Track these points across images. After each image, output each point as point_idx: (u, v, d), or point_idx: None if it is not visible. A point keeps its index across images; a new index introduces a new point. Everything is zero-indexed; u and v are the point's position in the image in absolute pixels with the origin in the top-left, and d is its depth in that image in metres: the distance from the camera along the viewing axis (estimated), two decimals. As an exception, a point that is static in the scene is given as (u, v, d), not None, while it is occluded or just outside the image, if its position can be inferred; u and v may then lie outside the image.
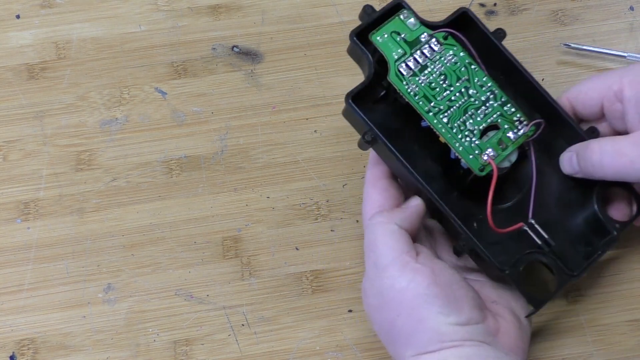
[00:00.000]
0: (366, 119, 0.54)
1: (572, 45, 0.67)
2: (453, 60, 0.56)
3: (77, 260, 0.60)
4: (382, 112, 0.56)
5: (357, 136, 0.64)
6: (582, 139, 0.55)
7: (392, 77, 0.55)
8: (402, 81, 0.55)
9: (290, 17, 0.70)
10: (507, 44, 0.68)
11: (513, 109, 0.55)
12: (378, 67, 0.55)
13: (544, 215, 0.55)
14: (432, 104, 0.55)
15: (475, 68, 0.56)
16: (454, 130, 0.54)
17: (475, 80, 0.56)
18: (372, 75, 0.55)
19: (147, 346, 0.56)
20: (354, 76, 0.67)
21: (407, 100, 0.55)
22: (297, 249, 0.60)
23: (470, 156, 0.54)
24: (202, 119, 0.65)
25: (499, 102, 0.55)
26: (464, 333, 0.48)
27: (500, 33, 0.57)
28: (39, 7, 0.71)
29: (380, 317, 0.50)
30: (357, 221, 0.60)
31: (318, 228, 0.60)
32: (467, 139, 0.54)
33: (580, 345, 0.55)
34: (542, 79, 0.66)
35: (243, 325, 0.57)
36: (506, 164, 0.54)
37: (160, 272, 0.59)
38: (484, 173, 0.54)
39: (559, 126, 0.56)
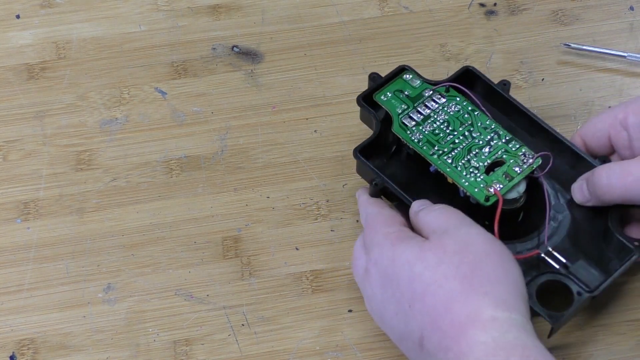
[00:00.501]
0: (374, 168, 0.57)
1: (572, 45, 0.67)
2: (456, 109, 0.58)
3: (77, 260, 0.60)
4: (395, 166, 0.59)
5: (357, 137, 0.64)
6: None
7: (395, 129, 0.57)
8: (405, 131, 0.57)
9: (290, 17, 0.70)
10: (507, 43, 0.69)
11: (518, 145, 0.56)
12: (385, 125, 0.58)
13: (559, 239, 0.56)
14: (435, 148, 0.56)
15: (478, 113, 0.58)
16: (459, 169, 0.55)
17: (479, 124, 0.57)
18: (378, 131, 0.58)
19: (147, 346, 0.56)
20: (354, 76, 0.67)
21: (412, 147, 0.57)
22: (297, 249, 0.60)
23: (476, 189, 0.55)
24: (202, 119, 0.65)
25: (503, 141, 0.56)
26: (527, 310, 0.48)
27: (506, 84, 0.60)
28: (39, 7, 0.71)
29: (459, 259, 0.48)
30: (357, 221, 0.60)
31: (318, 228, 0.60)
32: (473, 175, 0.55)
33: (580, 345, 0.55)
34: (542, 79, 0.66)
35: (243, 325, 0.57)
36: (514, 195, 0.55)
37: (160, 272, 0.59)
38: (489, 203, 0.54)
39: (574, 162, 0.57)
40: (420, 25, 0.69)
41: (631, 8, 0.69)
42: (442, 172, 0.56)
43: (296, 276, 0.59)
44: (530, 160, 0.55)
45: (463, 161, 0.56)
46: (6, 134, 0.65)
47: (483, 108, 0.58)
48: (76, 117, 0.66)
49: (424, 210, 0.53)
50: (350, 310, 0.57)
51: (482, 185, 0.55)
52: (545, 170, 0.56)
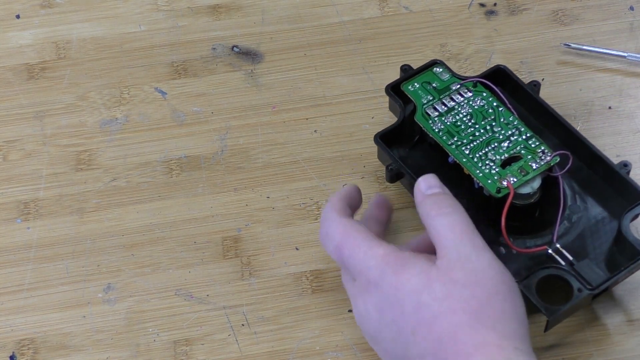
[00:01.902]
0: (392, 154, 0.58)
1: (572, 45, 0.67)
2: (481, 104, 0.58)
3: (77, 260, 0.60)
4: (415, 156, 0.60)
5: (357, 137, 0.64)
6: (618, 175, 0.56)
7: (418, 117, 0.58)
8: (427, 120, 0.58)
9: (290, 17, 0.70)
10: (507, 43, 0.69)
11: (537, 142, 0.56)
12: (411, 115, 0.59)
13: (571, 238, 0.56)
14: (455, 138, 0.57)
15: (502, 110, 0.58)
16: (475, 160, 0.56)
17: (501, 120, 0.58)
18: (401, 120, 0.59)
19: (147, 346, 0.56)
20: (354, 76, 0.67)
21: (431, 136, 0.57)
22: (297, 249, 0.60)
23: (489, 181, 0.55)
24: (202, 119, 0.65)
25: (524, 137, 0.57)
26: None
27: (536, 85, 0.60)
28: (39, 7, 0.71)
29: (470, 294, 0.47)
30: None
31: (318, 228, 0.60)
32: (488, 167, 0.56)
33: (580, 345, 0.55)
34: (542, 79, 0.66)
35: (243, 325, 0.57)
36: (527, 190, 0.55)
37: (160, 272, 0.59)
38: (500, 195, 0.54)
39: (597, 167, 0.58)
40: (420, 25, 0.69)
41: (631, 8, 0.69)
42: (458, 162, 0.56)
43: (296, 276, 0.59)
44: (548, 158, 0.55)
45: (480, 153, 0.56)
46: (6, 134, 0.65)
47: (509, 105, 0.58)
48: (76, 117, 0.66)
49: (437, 213, 0.50)
50: (350, 310, 0.57)
51: (495, 178, 0.55)
52: (565, 170, 0.56)
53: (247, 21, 0.70)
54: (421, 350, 0.47)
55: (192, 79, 0.67)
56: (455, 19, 0.70)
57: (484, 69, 0.64)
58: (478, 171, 0.55)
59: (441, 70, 0.60)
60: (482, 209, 0.56)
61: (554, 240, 0.55)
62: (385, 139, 0.58)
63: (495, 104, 0.58)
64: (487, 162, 0.56)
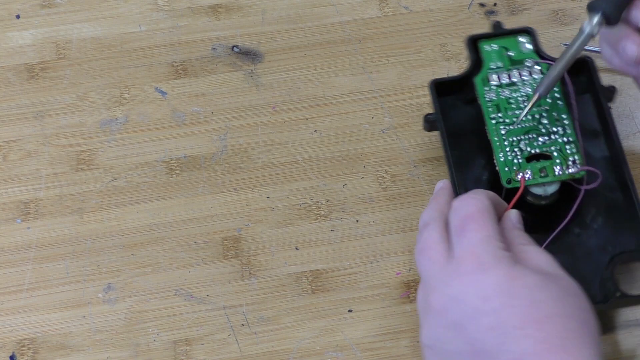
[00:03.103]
0: (437, 103, 0.56)
1: (572, 45, 0.67)
2: None
3: (77, 260, 0.60)
4: (461, 113, 0.58)
5: (357, 137, 0.64)
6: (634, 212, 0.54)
7: (477, 79, 0.57)
8: (484, 86, 0.56)
9: (290, 17, 0.70)
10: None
11: (574, 150, 0.54)
12: (472, 73, 0.57)
13: (558, 250, 0.54)
14: (499, 114, 0.55)
15: (561, 104, 0.56)
16: (506, 143, 0.54)
17: (554, 113, 0.55)
18: (465, 73, 0.58)
19: (147, 346, 0.56)
20: (354, 76, 0.67)
21: (479, 102, 0.56)
22: (297, 249, 0.60)
23: (506, 168, 0.54)
24: (202, 119, 0.65)
25: (565, 140, 0.55)
26: None
27: (612, 91, 0.58)
28: (39, 7, 0.71)
29: (553, 310, 0.45)
30: (357, 221, 0.60)
31: (318, 228, 0.60)
32: (513, 155, 0.54)
33: (580, 345, 0.55)
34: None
35: (243, 325, 0.57)
36: (539, 192, 0.54)
37: (160, 272, 0.59)
38: (509, 185, 0.53)
39: (626, 195, 0.55)
40: (420, 25, 0.69)
41: (631, 8, 0.69)
42: (489, 136, 0.55)
43: (296, 276, 0.59)
44: (573, 169, 0.53)
45: (514, 139, 0.54)
46: (6, 134, 0.65)
47: (573, 101, 0.55)
48: (76, 117, 0.66)
49: (532, 245, 0.49)
50: (350, 310, 0.57)
51: (515, 168, 0.54)
52: (590, 186, 0.53)
53: (247, 21, 0.70)
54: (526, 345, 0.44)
55: (192, 79, 0.67)
56: (455, 19, 0.70)
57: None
58: (501, 155, 0.54)
59: (525, 41, 0.58)
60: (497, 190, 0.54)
61: (541, 247, 0.54)
62: (440, 87, 0.57)
63: (557, 95, 0.56)
64: (515, 149, 0.54)
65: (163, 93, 0.67)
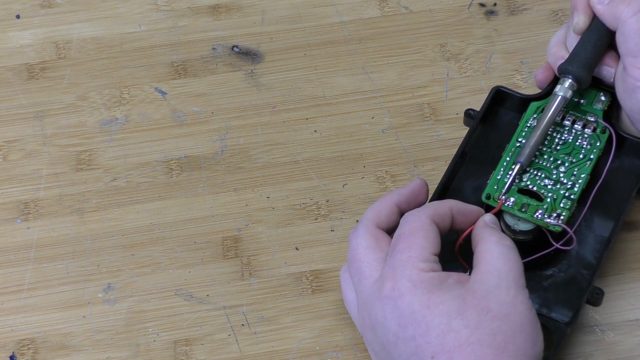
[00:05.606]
0: (486, 105, 0.57)
1: (572, 45, 0.67)
2: (583, 144, 0.56)
3: (77, 260, 0.60)
4: (503, 126, 0.58)
5: (357, 137, 0.64)
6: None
7: (533, 104, 0.57)
8: (534, 113, 0.57)
9: (290, 17, 0.70)
10: (507, 43, 0.69)
11: (568, 206, 0.53)
12: (534, 98, 0.57)
13: (533, 285, 0.53)
14: (524, 140, 0.55)
15: (589, 164, 0.55)
16: (512, 166, 0.54)
17: (576, 168, 0.55)
18: (529, 95, 0.57)
19: (147, 346, 0.56)
20: (354, 76, 0.67)
21: (519, 123, 0.57)
22: (297, 249, 0.60)
23: (495, 186, 0.54)
24: (202, 119, 0.65)
25: (566, 193, 0.54)
26: None
27: None
28: (39, 7, 0.71)
29: (498, 327, 0.46)
30: (357, 221, 0.60)
31: (318, 228, 0.60)
32: (509, 178, 0.54)
33: (581, 345, 0.55)
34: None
35: (243, 325, 0.57)
36: (511, 223, 0.53)
37: (160, 272, 0.59)
38: (486, 200, 0.53)
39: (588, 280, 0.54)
40: (420, 25, 0.70)
41: (631, 8, 0.69)
42: (502, 156, 0.55)
43: (296, 276, 0.59)
44: (551, 221, 0.52)
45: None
46: (6, 134, 0.65)
47: (609, 165, 0.54)
48: (76, 117, 0.66)
49: (496, 240, 0.49)
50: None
51: (502, 190, 0.53)
52: (561, 246, 0.52)
53: (247, 21, 0.70)
54: None
55: (192, 79, 0.67)
56: (455, 19, 0.70)
57: (483, 69, 0.64)
58: (500, 173, 0.54)
59: (603, 99, 0.57)
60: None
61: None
62: (500, 95, 0.58)
63: (592, 156, 0.55)
64: (516, 177, 0.54)
65: (163, 93, 0.67)
